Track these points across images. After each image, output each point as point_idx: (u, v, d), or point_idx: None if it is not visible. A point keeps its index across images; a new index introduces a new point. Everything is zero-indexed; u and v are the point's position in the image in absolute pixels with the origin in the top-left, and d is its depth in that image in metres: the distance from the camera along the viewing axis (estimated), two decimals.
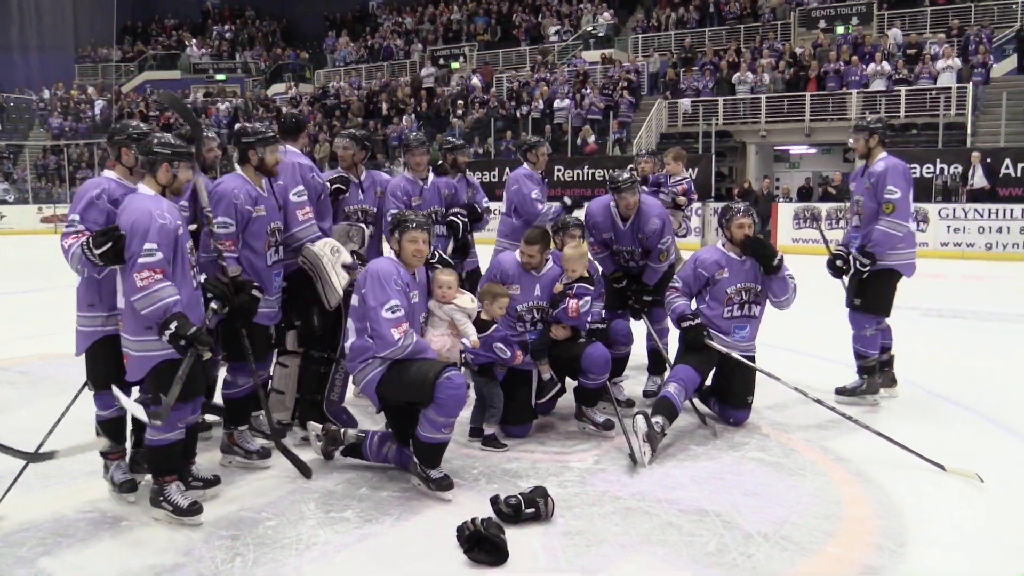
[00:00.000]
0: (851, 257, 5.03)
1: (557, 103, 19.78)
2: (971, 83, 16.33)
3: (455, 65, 25.06)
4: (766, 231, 14.70)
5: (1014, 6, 18.68)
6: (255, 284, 3.87)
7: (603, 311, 4.77)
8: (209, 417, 4.53)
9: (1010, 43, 17.99)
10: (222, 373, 4.22)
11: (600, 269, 5.06)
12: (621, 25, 24.55)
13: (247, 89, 29.17)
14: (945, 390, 5.42)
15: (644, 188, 5.85)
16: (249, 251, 3.98)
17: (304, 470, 3.90)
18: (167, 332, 3.25)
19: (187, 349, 3.30)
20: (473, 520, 3.16)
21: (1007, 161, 14.25)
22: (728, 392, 4.71)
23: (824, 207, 15.00)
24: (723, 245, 4.75)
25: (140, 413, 3.22)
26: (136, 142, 3.52)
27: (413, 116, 21.66)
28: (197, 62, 31.26)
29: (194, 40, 32.20)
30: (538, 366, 4.55)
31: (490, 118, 20.40)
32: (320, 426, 4.14)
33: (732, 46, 20.44)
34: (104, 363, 3.54)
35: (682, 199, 5.96)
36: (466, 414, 4.41)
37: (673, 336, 5.05)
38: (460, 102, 21.73)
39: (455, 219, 5.40)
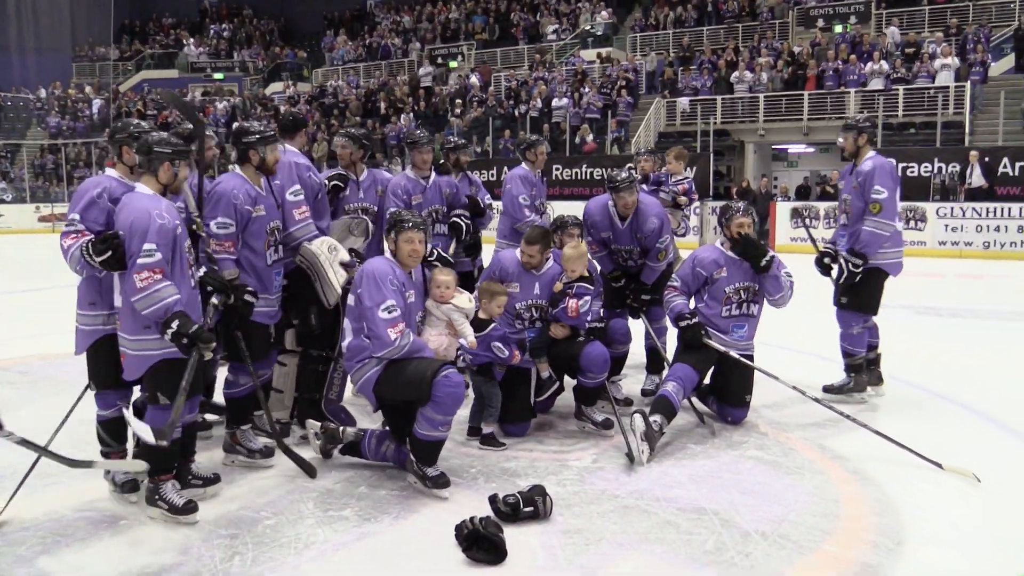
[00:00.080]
0: (843, 260, 5.05)
1: (555, 102, 19.78)
2: (969, 82, 16.34)
3: (453, 64, 25.05)
4: (764, 230, 14.71)
5: (1012, 5, 18.69)
6: (249, 288, 3.83)
7: (601, 310, 4.78)
8: (209, 416, 4.54)
9: (1008, 42, 18.00)
10: (223, 372, 4.22)
11: (599, 268, 5.06)
12: (619, 24, 24.56)
13: (245, 88, 29.14)
14: (942, 389, 5.43)
15: (644, 187, 5.85)
16: (249, 251, 3.97)
17: (308, 470, 3.90)
18: (169, 331, 3.25)
19: (190, 348, 3.31)
20: (472, 519, 3.16)
21: (1005, 160, 14.26)
22: (726, 391, 4.72)
23: (822, 206, 15.02)
24: (722, 244, 4.76)
25: (148, 435, 3.21)
26: (136, 140, 3.51)
27: (411, 115, 21.65)
28: (195, 61, 31.21)
29: (192, 39, 32.15)
30: (537, 364, 4.55)
31: (488, 117, 20.40)
32: (318, 424, 4.14)
33: (730, 45, 20.45)
34: (105, 362, 3.54)
35: (683, 199, 5.95)
36: (464, 413, 4.41)
37: (671, 335, 5.06)
38: (458, 101, 21.73)
39: (458, 220, 5.37)
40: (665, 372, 4.89)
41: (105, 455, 3.69)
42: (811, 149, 20.41)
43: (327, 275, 4.17)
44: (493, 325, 4.27)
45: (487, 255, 5.38)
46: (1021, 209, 13.52)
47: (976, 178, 14.18)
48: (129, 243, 3.26)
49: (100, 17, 28.93)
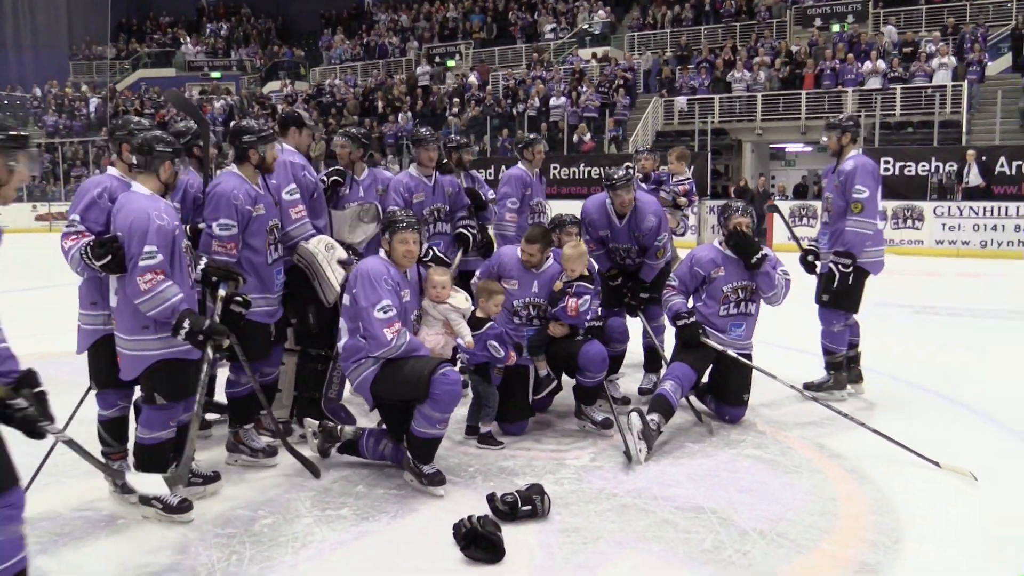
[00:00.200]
0: (831, 264, 5.07)
1: (553, 101, 19.78)
2: (966, 81, 16.36)
3: (451, 63, 25.04)
4: (762, 229, 14.71)
5: (1009, 4, 18.72)
6: (237, 299, 3.72)
7: (599, 308, 4.78)
8: (208, 416, 4.53)
9: (1005, 41, 18.03)
10: (223, 372, 4.21)
11: (596, 267, 5.06)
12: (617, 23, 24.55)
13: (242, 87, 29.08)
14: (940, 387, 5.43)
15: (644, 186, 5.85)
16: (250, 250, 3.93)
17: (312, 469, 3.90)
18: (182, 331, 3.25)
19: (205, 344, 3.31)
20: (470, 518, 3.16)
21: (1002, 159, 14.29)
22: (724, 389, 4.72)
23: (819, 205, 14.98)
24: (720, 243, 4.76)
25: (158, 485, 3.20)
26: (135, 138, 3.50)
27: (409, 114, 21.64)
28: (192, 59, 31.13)
29: (189, 37, 32.09)
30: (535, 362, 4.55)
31: (486, 116, 20.39)
32: (316, 423, 4.13)
33: (728, 44, 20.46)
34: (106, 362, 3.52)
35: (682, 200, 5.94)
36: (462, 412, 4.42)
37: (669, 333, 5.06)
38: (456, 100, 21.71)
39: (464, 231, 5.34)
40: (663, 371, 4.89)
41: (106, 455, 3.68)
42: (808, 148, 20.42)
43: (325, 274, 4.16)
44: (490, 324, 4.27)
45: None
46: (1018, 208, 13.55)
47: (973, 177, 14.21)
48: (128, 245, 3.24)
49: (97, 15, 28.89)
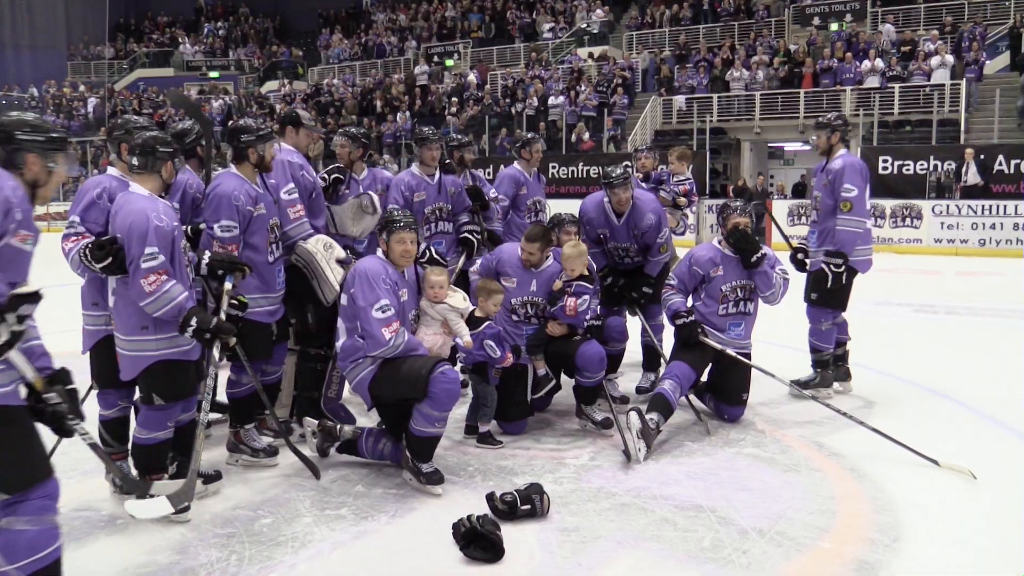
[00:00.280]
0: (823, 264, 5.08)
1: (551, 100, 19.77)
2: (964, 80, 16.36)
3: (449, 62, 25.02)
4: (760, 228, 14.71)
5: (1007, 3, 18.71)
6: (233, 301, 3.70)
7: (599, 308, 4.78)
8: (210, 415, 4.51)
9: (1003, 40, 18.03)
10: (224, 372, 4.20)
11: (594, 266, 5.06)
12: (615, 22, 24.55)
13: (240, 86, 29.07)
14: (939, 386, 5.44)
15: (643, 185, 5.84)
16: (251, 250, 3.91)
17: (313, 470, 3.89)
18: (189, 329, 3.25)
19: (213, 341, 3.32)
20: (469, 517, 3.16)
21: (1000, 157, 14.29)
22: (723, 389, 4.73)
23: None
24: (719, 243, 4.77)
25: (165, 508, 3.20)
26: (132, 138, 3.50)
27: (408, 114, 21.63)
28: (190, 59, 31.12)
29: (187, 37, 32.08)
30: (533, 361, 4.55)
31: (485, 115, 20.38)
32: (315, 422, 4.13)
33: (726, 43, 20.44)
34: (108, 362, 3.52)
35: (682, 200, 5.93)
36: (461, 411, 4.42)
37: (668, 332, 5.06)
38: (454, 99, 21.71)
39: (469, 236, 5.34)
40: (662, 370, 4.89)
41: (107, 455, 3.67)
42: (807, 147, 20.37)
43: (324, 273, 4.16)
44: (488, 323, 4.27)
45: None
46: (1016, 206, 13.55)
47: (972, 176, 14.21)
48: (128, 247, 3.23)
49: (95, 15, 28.87)
